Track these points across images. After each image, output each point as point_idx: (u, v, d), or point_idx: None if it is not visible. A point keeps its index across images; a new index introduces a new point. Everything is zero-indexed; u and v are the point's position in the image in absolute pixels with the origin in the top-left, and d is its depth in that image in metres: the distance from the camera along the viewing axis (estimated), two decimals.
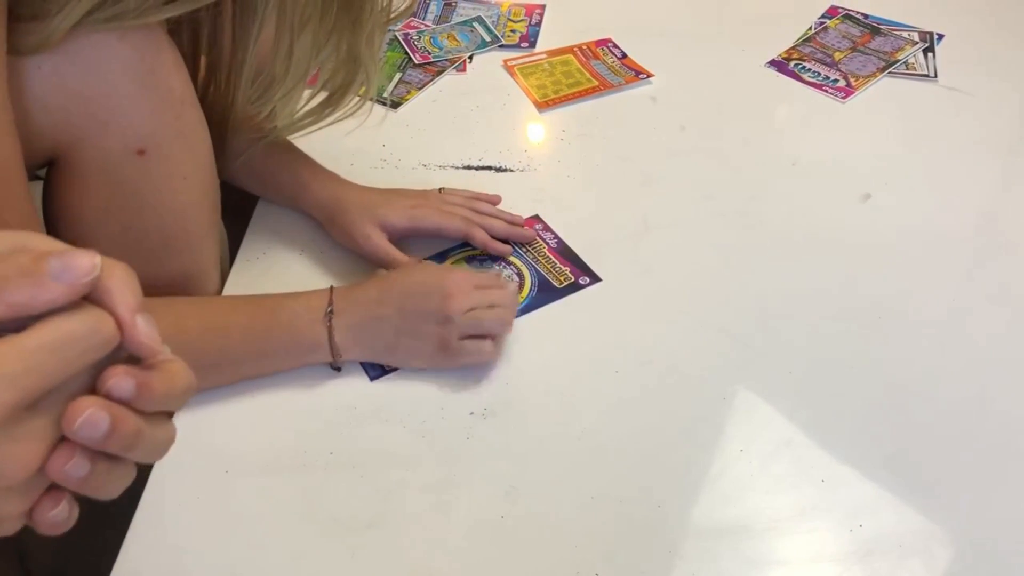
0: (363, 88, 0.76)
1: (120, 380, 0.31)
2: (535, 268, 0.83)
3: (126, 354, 0.32)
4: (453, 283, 0.72)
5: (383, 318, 0.71)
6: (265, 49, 0.70)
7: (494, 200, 0.88)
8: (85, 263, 0.31)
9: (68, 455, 0.31)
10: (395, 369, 0.73)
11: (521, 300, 0.80)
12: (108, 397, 0.31)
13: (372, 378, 0.73)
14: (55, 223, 0.68)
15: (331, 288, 0.72)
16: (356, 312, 0.71)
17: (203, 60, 0.73)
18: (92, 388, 0.32)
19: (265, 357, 0.71)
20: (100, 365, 0.32)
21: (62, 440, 0.31)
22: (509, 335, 0.76)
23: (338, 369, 0.73)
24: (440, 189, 0.87)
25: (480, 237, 0.82)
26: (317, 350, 0.71)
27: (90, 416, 0.30)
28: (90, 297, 0.31)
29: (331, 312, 0.70)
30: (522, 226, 0.86)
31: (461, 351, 0.72)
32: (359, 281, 0.75)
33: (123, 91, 0.62)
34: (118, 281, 0.32)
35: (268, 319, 0.70)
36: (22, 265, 0.30)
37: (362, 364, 0.74)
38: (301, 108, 0.78)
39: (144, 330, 0.32)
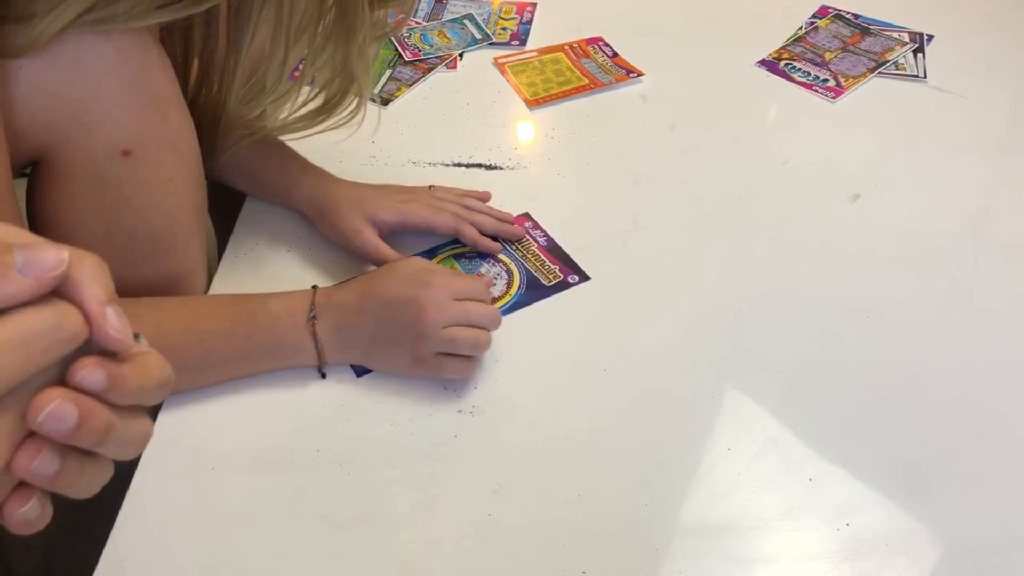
0: (356, 99, 0.76)
1: (90, 372, 0.30)
2: (524, 266, 0.83)
3: (98, 348, 0.31)
4: (430, 297, 0.69)
5: (360, 325, 0.70)
6: (259, 51, 0.70)
7: (484, 197, 0.88)
8: (51, 257, 0.29)
9: (35, 452, 0.30)
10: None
11: (510, 298, 0.80)
12: (78, 389, 0.30)
13: (358, 375, 0.73)
14: (39, 223, 0.68)
15: (314, 289, 0.71)
16: (335, 316, 0.70)
17: (195, 63, 0.73)
18: (62, 383, 0.30)
19: (247, 360, 0.70)
20: (71, 359, 0.30)
21: (30, 436, 0.30)
22: (491, 344, 0.74)
23: (323, 375, 0.73)
24: (430, 186, 0.87)
25: (470, 234, 0.82)
26: (300, 354, 0.70)
27: (56, 408, 0.29)
28: (58, 291, 0.30)
29: (314, 317, 0.69)
30: (512, 223, 0.86)
31: (435, 367, 0.70)
32: (342, 282, 0.74)
33: (108, 92, 0.62)
34: (87, 273, 0.31)
35: (249, 323, 0.69)
36: None
37: (355, 370, 0.73)
38: (294, 113, 0.78)
39: (114, 323, 0.31)
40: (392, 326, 0.70)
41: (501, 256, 0.84)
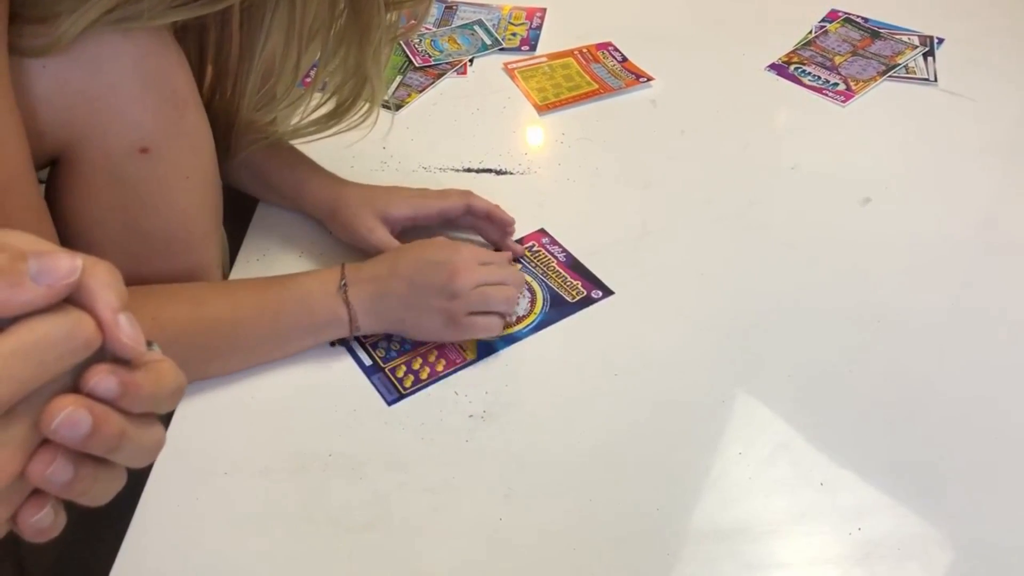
0: (367, 104, 0.77)
1: (103, 379, 0.30)
2: (546, 283, 0.82)
3: (111, 355, 0.31)
4: (461, 259, 0.73)
5: (394, 292, 0.72)
6: (272, 56, 0.70)
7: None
8: (65, 264, 0.29)
9: (49, 459, 0.30)
10: (413, 393, 0.72)
11: (534, 317, 0.79)
12: (91, 396, 0.30)
13: (390, 403, 0.72)
14: (58, 221, 0.68)
15: (343, 265, 0.73)
16: (367, 287, 0.72)
17: (209, 68, 0.74)
18: (75, 390, 0.30)
19: (280, 336, 0.72)
20: (84, 366, 0.30)
21: (44, 444, 0.30)
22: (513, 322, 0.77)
23: (340, 343, 0.74)
24: None
25: (480, 202, 0.83)
26: (332, 324, 0.72)
27: (69, 415, 0.29)
28: (72, 298, 0.30)
29: (346, 286, 0.71)
30: (511, 222, 0.85)
31: (469, 327, 0.73)
32: (368, 259, 0.75)
33: (126, 90, 0.63)
34: (100, 280, 0.31)
35: (281, 296, 0.71)
36: None
37: (379, 389, 0.73)
38: (307, 117, 0.79)
39: (127, 330, 0.31)
40: (425, 289, 0.72)
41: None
